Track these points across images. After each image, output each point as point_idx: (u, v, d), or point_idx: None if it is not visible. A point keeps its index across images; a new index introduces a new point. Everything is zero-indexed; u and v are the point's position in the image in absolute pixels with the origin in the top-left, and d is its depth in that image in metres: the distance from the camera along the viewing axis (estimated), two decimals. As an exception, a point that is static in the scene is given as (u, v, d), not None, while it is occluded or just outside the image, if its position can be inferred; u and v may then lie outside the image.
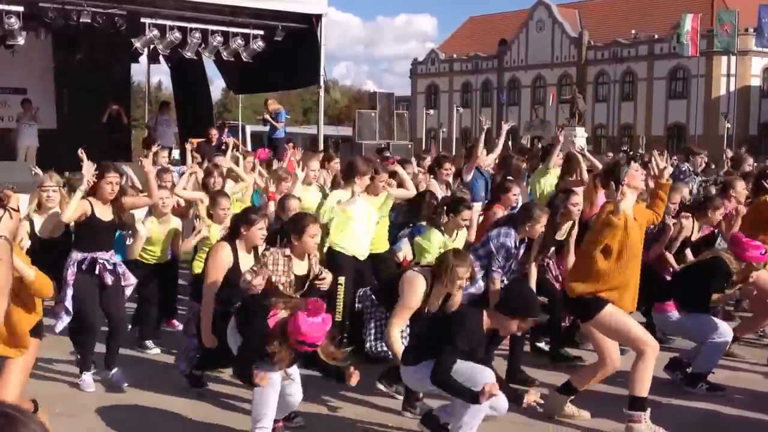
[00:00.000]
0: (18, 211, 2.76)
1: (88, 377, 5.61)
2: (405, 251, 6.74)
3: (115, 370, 5.66)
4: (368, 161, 6.81)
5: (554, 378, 5.69)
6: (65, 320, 5.54)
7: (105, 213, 5.60)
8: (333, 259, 6.20)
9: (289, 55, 14.67)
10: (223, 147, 15.81)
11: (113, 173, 5.60)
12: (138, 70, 21.28)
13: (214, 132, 15.36)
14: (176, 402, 5.31)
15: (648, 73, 54.09)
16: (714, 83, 50.38)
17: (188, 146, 10.87)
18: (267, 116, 16.59)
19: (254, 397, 4.40)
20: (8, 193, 2.81)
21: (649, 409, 4.77)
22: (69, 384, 5.67)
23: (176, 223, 6.93)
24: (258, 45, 14.31)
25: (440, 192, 7.47)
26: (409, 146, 16.65)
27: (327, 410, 5.16)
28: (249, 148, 22.07)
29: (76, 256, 5.52)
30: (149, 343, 6.69)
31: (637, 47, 54.59)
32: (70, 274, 5.48)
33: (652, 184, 5.12)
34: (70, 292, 5.48)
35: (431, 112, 55.79)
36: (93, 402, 5.31)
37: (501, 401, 4.37)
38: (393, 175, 6.91)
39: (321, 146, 16.30)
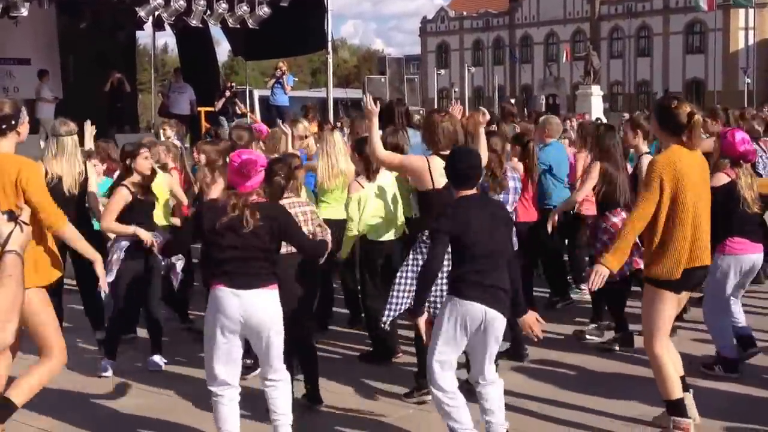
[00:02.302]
0: (29, 225, 2.63)
1: (108, 363, 5.60)
2: None
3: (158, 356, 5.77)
4: None
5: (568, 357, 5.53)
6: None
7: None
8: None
9: (296, 20, 14.41)
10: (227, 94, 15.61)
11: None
12: (143, 33, 20.86)
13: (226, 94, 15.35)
14: (185, 403, 5.22)
15: (664, 28, 53.08)
16: (732, 37, 49.37)
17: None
18: (277, 73, 16.08)
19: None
20: (20, 206, 2.73)
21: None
22: (87, 373, 5.64)
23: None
24: (264, 11, 14.05)
25: None
26: (421, 111, 16.39)
27: (328, 405, 4.99)
28: (258, 114, 21.81)
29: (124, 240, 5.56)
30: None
31: (651, 1, 53.49)
32: (118, 258, 5.53)
33: None
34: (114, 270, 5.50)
35: (442, 72, 55.04)
36: (109, 391, 5.31)
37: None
38: None
39: (331, 111, 16.06)
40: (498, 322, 4.03)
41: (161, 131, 9.81)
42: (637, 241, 5.79)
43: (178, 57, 19.64)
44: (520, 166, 6.67)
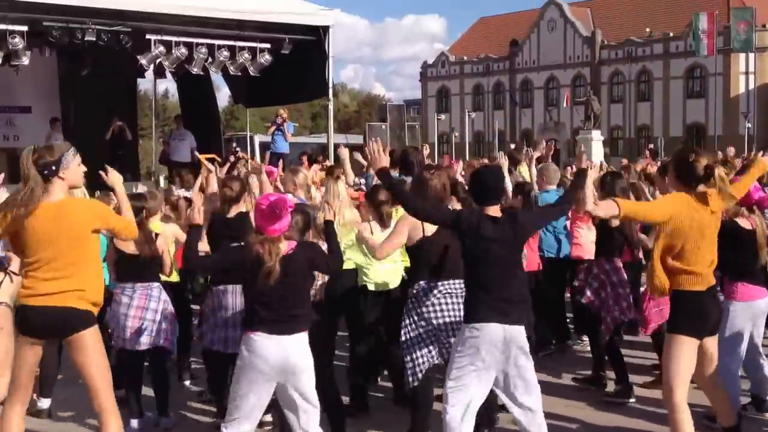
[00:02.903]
0: (19, 275, 2.58)
1: (136, 423, 5.38)
2: None
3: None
4: None
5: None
6: None
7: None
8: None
9: (297, 68, 14.50)
10: (231, 159, 15.61)
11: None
12: (144, 78, 21.00)
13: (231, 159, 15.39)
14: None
15: (664, 73, 53.45)
16: (732, 81, 49.61)
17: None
18: (278, 120, 16.06)
19: None
20: (10, 256, 2.69)
21: None
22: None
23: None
24: (265, 59, 14.15)
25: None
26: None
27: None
28: (258, 159, 21.87)
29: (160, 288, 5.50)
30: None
31: (651, 46, 53.96)
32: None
33: None
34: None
35: (442, 117, 55.50)
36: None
37: None
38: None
39: (332, 156, 16.08)
40: (520, 335, 3.99)
41: (175, 179, 9.88)
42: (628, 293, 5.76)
43: (178, 102, 19.78)
44: None
